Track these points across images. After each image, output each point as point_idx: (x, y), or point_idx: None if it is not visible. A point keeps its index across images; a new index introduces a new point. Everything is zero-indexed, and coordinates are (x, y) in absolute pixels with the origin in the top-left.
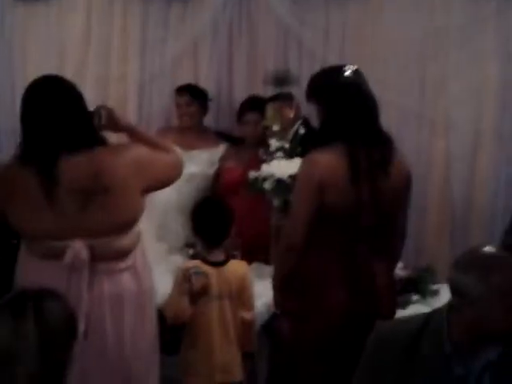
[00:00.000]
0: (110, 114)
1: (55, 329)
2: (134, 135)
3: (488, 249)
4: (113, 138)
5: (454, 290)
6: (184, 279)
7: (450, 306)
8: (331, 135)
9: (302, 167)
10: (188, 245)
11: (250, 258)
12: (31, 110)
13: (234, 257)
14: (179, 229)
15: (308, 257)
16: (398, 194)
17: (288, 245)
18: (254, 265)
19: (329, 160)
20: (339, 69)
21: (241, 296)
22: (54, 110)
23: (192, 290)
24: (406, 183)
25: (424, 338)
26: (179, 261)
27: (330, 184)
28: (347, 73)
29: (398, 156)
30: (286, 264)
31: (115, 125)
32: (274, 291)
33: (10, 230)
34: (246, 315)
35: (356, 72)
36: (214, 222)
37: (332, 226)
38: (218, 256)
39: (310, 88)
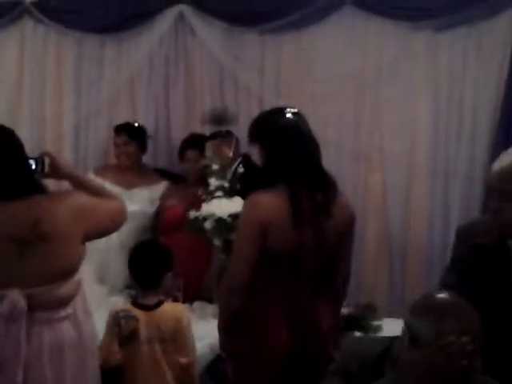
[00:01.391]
0: (53, 161)
1: None
2: (77, 182)
3: (442, 295)
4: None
5: (409, 333)
6: (114, 322)
7: (401, 345)
8: (273, 177)
9: (245, 208)
10: (129, 286)
11: (192, 296)
12: None
13: (175, 297)
14: (120, 268)
15: (251, 298)
16: (341, 236)
17: (231, 286)
18: (197, 304)
19: (271, 202)
20: (280, 111)
21: (175, 340)
22: None
23: (120, 333)
24: (350, 225)
25: (387, 360)
26: (120, 302)
27: (272, 226)
28: (287, 115)
29: (341, 198)
30: (230, 306)
31: (58, 172)
32: (220, 333)
33: None
34: (182, 359)
35: (296, 114)
36: (146, 266)
37: (275, 268)
38: (151, 299)
39: (251, 131)
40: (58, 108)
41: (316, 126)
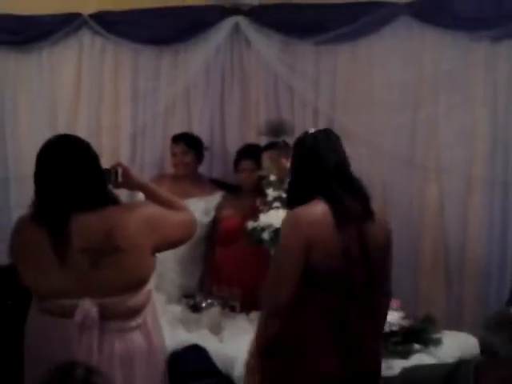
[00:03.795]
0: (126, 172)
1: None
2: (149, 193)
3: None
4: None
5: (484, 349)
6: None
7: (477, 362)
8: (307, 191)
9: (287, 223)
10: (186, 296)
11: (249, 307)
12: (45, 169)
13: (232, 307)
14: (176, 278)
15: (294, 319)
16: (381, 249)
17: (272, 307)
18: (254, 314)
19: (313, 216)
20: (305, 132)
21: None
22: (67, 169)
23: None
24: (388, 240)
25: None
26: (177, 311)
27: (316, 241)
28: (309, 132)
29: (378, 215)
30: (270, 328)
31: (131, 183)
32: (255, 357)
33: (5, 290)
34: None
35: (322, 131)
36: None
37: (321, 287)
38: None
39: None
40: (115, 119)
41: (371, 136)
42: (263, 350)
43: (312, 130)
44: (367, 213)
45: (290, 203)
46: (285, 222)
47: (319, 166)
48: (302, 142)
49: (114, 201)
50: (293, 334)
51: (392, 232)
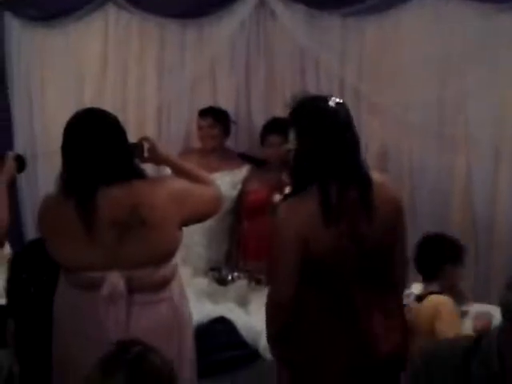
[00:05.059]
0: (153, 146)
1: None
2: (176, 168)
3: None
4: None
5: (506, 312)
6: None
7: (500, 328)
8: (306, 173)
9: (279, 216)
10: (213, 268)
11: None
12: (72, 143)
13: (259, 280)
14: (202, 251)
15: (302, 310)
16: (388, 225)
17: (275, 301)
18: None
19: (305, 207)
20: (322, 98)
21: None
22: (94, 142)
23: None
24: (397, 219)
25: (474, 359)
26: (203, 283)
27: (308, 234)
28: (330, 103)
29: (384, 191)
30: (278, 320)
31: (157, 158)
32: (269, 341)
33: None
34: None
35: (340, 104)
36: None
37: (321, 279)
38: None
39: (290, 114)
40: (141, 93)
41: (399, 110)
42: (275, 338)
43: (332, 101)
44: (365, 196)
45: (296, 188)
46: (278, 213)
47: (334, 139)
48: (322, 109)
49: (141, 175)
50: (303, 323)
51: (402, 211)
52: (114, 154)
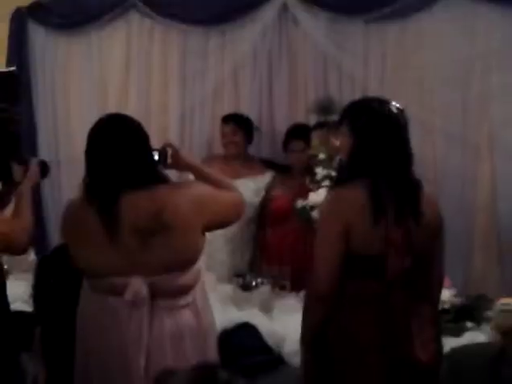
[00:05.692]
0: (176, 152)
1: None
2: (199, 173)
3: None
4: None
5: None
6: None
7: None
8: (357, 169)
9: (327, 205)
10: (237, 274)
11: (299, 286)
12: (95, 147)
13: (283, 286)
14: (225, 258)
15: (339, 307)
16: (431, 237)
17: (315, 294)
18: (303, 293)
19: (353, 198)
20: (384, 100)
21: None
22: (118, 147)
23: None
24: (440, 226)
25: (504, 363)
26: (227, 290)
27: (354, 226)
28: (391, 106)
29: (429, 198)
30: (315, 317)
31: (180, 163)
32: (302, 349)
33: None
34: None
35: (400, 110)
36: None
37: (363, 274)
38: None
39: (345, 110)
40: (164, 100)
41: (422, 115)
42: (309, 339)
43: (393, 106)
44: (415, 199)
45: (340, 178)
46: (323, 206)
47: (393, 142)
48: (384, 111)
49: (164, 180)
50: (337, 324)
51: (443, 219)
52: (137, 159)
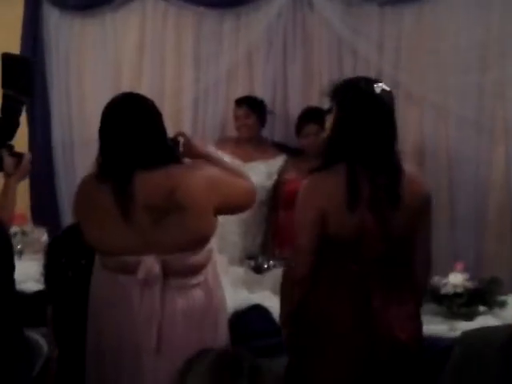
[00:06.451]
0: (188, 141)
1: None
2: (211, 163)
3: None
4: None
5: None
6: None
7: None
8: (337, 151)
9: (303, 192)
10: (249, 257)
11: None
12: (110, 126)
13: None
14: (237, 240)
15: (316, 290)
16: (412, 223)
17: (293, 277)
18: None
19: (329, 184)
20: (370, 80)
21: None
22: (132, 126)
23: None
24: (423, 212)
25: None
26: (239, 272)
27: (330, 211)
28: (376, 87)
29: (413, 183)
30: (292, 298)
31: (192, 152)
32: (283, 328)
33: (80, 250)
34: None
35: (386, 91)
36: None
37: (339, 258)
38: None
39: (333, 90)
40: (178, 83)
41: (437, 98)
42: (286, 321)
43: (378, 87)
44: (393, 184)
45: (324, 164)
46: (300, 193)
47: (373, 123)
48: (367, 91)
49: (178, 160)
50: (315, 304)
51: (430, 203)
52: (151, 137)
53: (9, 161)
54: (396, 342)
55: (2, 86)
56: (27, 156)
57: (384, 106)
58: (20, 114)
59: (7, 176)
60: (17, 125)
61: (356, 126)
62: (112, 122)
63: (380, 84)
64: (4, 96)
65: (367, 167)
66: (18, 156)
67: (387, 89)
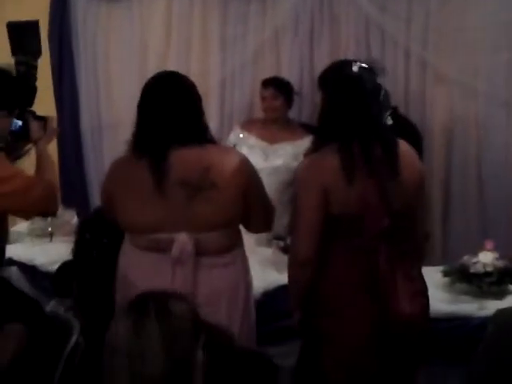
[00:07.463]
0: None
1: (178, 329)
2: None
3: None
4: None
5: None
6: None
7: None
8: (329, 133)
9: (302, 173)
10: (277, 237)
11: None
12: (149, 101)
13: None
14: None
15: (324, 272)
16: (410, 194)
17: (297, 260)
18: None
19: (327, 162)
20: (347, 63)
21: None
22: (172, 102)
23: None
24: (421, 181)
25: None
26: (267, 252)
27: (331, 188)
28: (353, 68)
29: (408, 155)
30: (300, 281)
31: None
32: (294, 312)
33: (102, 229)
34: None
35: (365, 69)
36: None
37: (345, 237)
38: None
39: (318, 79)
40: (204, 65)
41: (466, 77)
42: (298, 304)
43: (355, 66)
44: (389, 155)
45: (317, 145)
46: (299, 174)
47: (356, 103)
48: (344, 74)
49: (212, 141)
50: (323, 284)
51: (424, 176)
52: (189, 115)
53: (35, 125)
54: (401, 315)
55: (13, 53)
56: (52, 118)
57: (364, 83)
58: (35, 79)
59: (34, 143)
60: (34, 90)
61: (339, 105)
62: (152, 96)
63: (358, 63)
64: (17, 62)
65: (361, 143)
66: (43, 119)
67: (365, 66)
